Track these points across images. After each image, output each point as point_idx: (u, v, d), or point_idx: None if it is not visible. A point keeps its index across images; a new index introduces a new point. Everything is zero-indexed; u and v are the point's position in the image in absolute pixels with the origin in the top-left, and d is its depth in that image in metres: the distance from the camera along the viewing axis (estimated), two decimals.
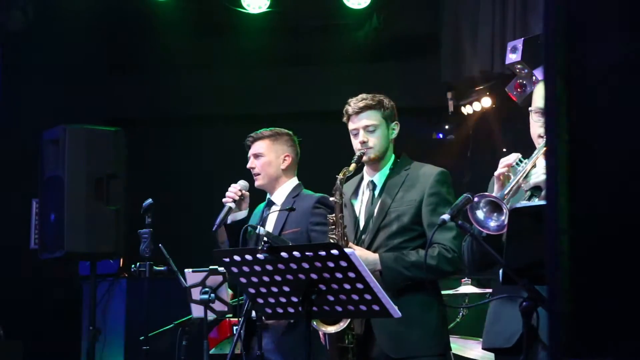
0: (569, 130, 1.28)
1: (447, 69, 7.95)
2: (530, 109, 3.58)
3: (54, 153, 5.68)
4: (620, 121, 1.26)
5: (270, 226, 4.66)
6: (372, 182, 4.22)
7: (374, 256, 4.01)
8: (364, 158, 4.16)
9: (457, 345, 5.23)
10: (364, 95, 4.26)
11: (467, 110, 8.11)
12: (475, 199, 3.15)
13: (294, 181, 4.83)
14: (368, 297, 3.38)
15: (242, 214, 4.75)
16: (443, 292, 5.34)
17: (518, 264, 2.94)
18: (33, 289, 7.86)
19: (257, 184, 4.80)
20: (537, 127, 3.50)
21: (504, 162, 3.37)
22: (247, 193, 4.75)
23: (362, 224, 4.17)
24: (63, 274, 7.60)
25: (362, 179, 4.30)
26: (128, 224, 5.67)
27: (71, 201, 5.53)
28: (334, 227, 4.09)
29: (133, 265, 5.22)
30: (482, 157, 7.91)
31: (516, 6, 7.03)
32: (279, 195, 4.76)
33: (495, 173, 3.38)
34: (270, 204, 4.77)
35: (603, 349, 1.28)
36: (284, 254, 3.37)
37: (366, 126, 4.18)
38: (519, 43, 6.64)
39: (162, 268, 5.28)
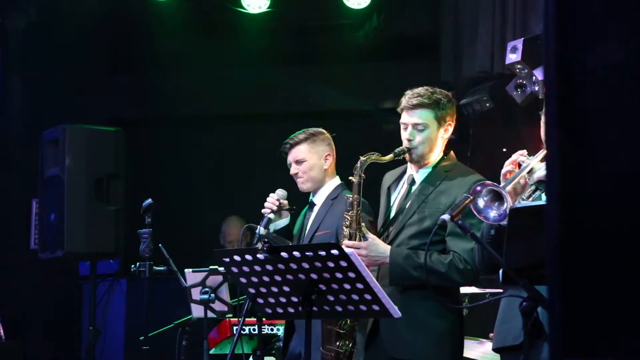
0: (569, 130, 1.28)
1: (447, 69, 7.95)
2: (540, 112, 3.58)
3: (54, 153, 5.68)
4: (619, 121, 1.26)
5: (308, 227, 4.67)
6: (412, 177, 4.16)
7: (384, 247, 3.98)
8: (407, 157, 4.09)
9: None
10: (421, 91, 4.11)
11: (467, 110, 8.11)
12: (477, 188, 3.16)
13: (336, 181, 4.76)
14: (368, 297, 3.38)
15: (283, 222, 4.71)
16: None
17: (518, 264, 2.94)
18: (33, 289, 7.86)
19: (302, 188, 4.75)
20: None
21: (510, 160, 3.38)
22: (286, 202, 4.70)
23: (392, 216, 4.14)
24: (63, 274, 7.61)
25: (405, 171, 4.23)
26: (128, 224, 5.67)
27: (71, 201, 5.53)
28: (350, 208, 4.07)
29: (133, 265, 5.22)
30: (482, 157, 7.90)
31: (516, 6, 7.02)
32: (320, 197, 4.72)
33: (502, 171, 3.38)
34: (312, 205, 4.75)
35: (603, 349, 1.28)
36: (284, 254, 3.37)
37: (415, 124, 4.07)
38: (519, 43, 6.63)
39: (162, 268, 5.28)
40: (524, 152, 3.39)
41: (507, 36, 7.01)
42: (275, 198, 4.65)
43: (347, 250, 3.32)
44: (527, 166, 3.30)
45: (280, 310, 3.58)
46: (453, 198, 3.96)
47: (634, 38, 1.25)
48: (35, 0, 8.01)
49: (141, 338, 5.20)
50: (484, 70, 7.42)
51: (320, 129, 4.83)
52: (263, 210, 4.63)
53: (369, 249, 3.93)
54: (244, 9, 8.21)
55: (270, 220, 4.60)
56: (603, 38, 1.27)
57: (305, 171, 4.71)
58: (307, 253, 3.33)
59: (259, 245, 3.45)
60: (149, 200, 5.11)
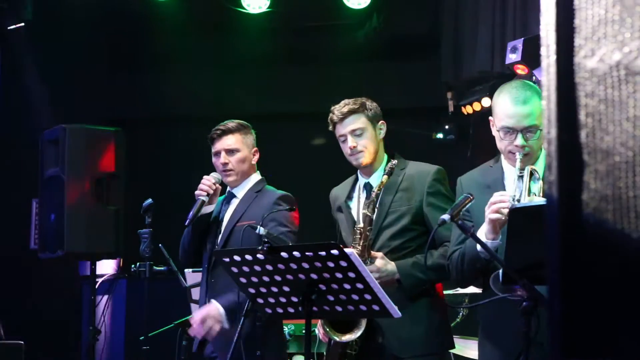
0: (569, 130, 1.28)
1: (447, 69, 7.95)
2: (493, 126, 3.52)
3: (54, 153, 5.68)
4: (619, 121, 1.26)
5: (227, 218, 4.54)
6: (368, 184, 4.21)
7: (392, 265, 4.01)
8: (355, 163, 4.17)
9: (457, 345, 5.22)
10: (346, 101, 4.25)
11: (467, 110, 8.11)
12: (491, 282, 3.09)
13: (257, 176, 4.68)
14: (368, 297, 3.38)
15: (210, 207, 4.58)
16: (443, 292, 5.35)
17: (518, 264, 2.94)
18: (33, 289, 7.86)
19: (229, 179, 4.60)
20: (505, 144, 3.46)
21: (496, 207, 3.22)
22: (220, 187, 4.58)
23: (362, 225, 4.15)
24: (63, 274, 7.61)
25: (356, 180, 4.29)
26: (128, 224, 5.67)
27: (71, 201, 5.53)
28: (359, 236, 4.05)
29: (133, 265, 5.22)
30: (482, 157, 7.90)
31: (516, 6, 7.03)
32: (241, 189, 4.62)
33: (491, 217, 3.23)
34: (231, 196, 4.63)
35: (603, 349, 1.28)
36: (284, 254, 3.37)
37: (353, 130, 4.16)
38: (519, 43, 6.64)
39: (162, 268, 5.28)
40: (507, 197, 3.25)
41: (507, 36, 7.02)
42: (213, 181, 4.51)
43: (347, 250, 3.32)
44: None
45: (280, 310, 3.58)
46: (420, 191, 4.08)
47: (634, 38, 1.25)
48: (35, 0, 8.00)
49: (141, 338, 5.20)
50: (484, 70, 7.43)
51: (247, 123, 4.72)
52: (197, 192, 4.49)
53: (380, 270, 3.96)
54: (244, 9, 8.21)
55: (203, 203, 4.46)
56: (603, 37, 1.27)
57: (238, 163, 4.59)
58: (307, 253, 3.33)
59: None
60: (149, 200, 5.10)
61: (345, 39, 8.71)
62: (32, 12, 7.91)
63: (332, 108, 4.26)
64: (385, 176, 4.04)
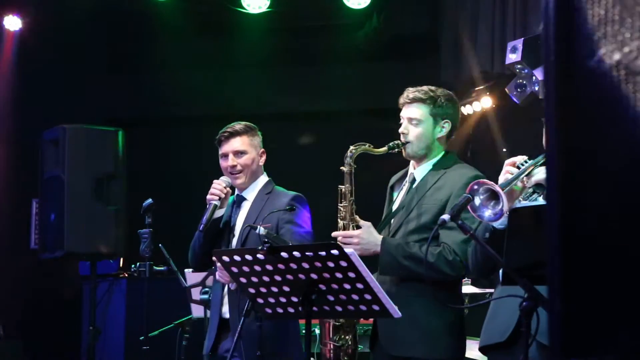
0: (569, 130, 1.28)
1: (447, 69, 7.95)
2: (542, 118, 3.54)
3: (54, 153, 5.69)
4: (619, 120, 1.26)
5: (240, 222, 4.51)
6: (413, 175, 4.18)
7: (377, 236, 3.98)
8: (403, 152, 4.12)
9: None
10: (420, 88, 4.16)
11: (467, 110, 8.12)
12: (475, 186, 3.14)
13: (265, 177, 4.64)
14: (368, 297, 3.38)
15: (220, 211, 4.52)
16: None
17: (518, 264, 2.94)
18: (33, 289, 7.86)
19: (238, 182, 4.54)
20: None
21: (509, 161, 3.34)
22: (230, 190, 4.54)
23: (393, 213, 4.14)
24: (63, 274, 7.61)
25: (407, 170, 4.26)
26: (128, 224, 5.68)
27: (71, 201, 5.54)
28: (343, 199, 4.08)
29: (133, 265, 5.23)
30: (482, 157, 7.91)
31: (516, 6, 7.03)
32: (251, 192, 4.57)
33: (502, 172, 3.33)
34: (241, 199, 4.59)
35: (603, 348, 1.28)
36: (284, 254, 3.37)
37: (410, 118, 4.11)
38: (519, 43, 6.64)
39: (162, 268, 5.29)
40: (525, 157, 3.36)
41: (507, 36, 7.02)
42: (223, 185, 4.48)
43: (347, 250, 3.32)
44: (526, 169, 3.28)
45: (280, 310, 3.58)
46: (448, 193, 4.00)
47: (634, 38, 1.25)
48: (35, 0, 8.01)
49: (141, 338, 5.20)
50: (484, 70, 7.43)
51: (254, 124, 4.68)
52: (209, 197, 4.46)
53: (360, 237, 3.94)
54: (244, 9, 8.21)
55: (216, 208, 4.43)
56: (603, 37, 1.27)
57: (246, 164, 4.53)
58: (307, 253, 3.33)
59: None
60: (149, 200, 5.11)
61: (345, 39, 8.71)
62: (32, 13, 7.92)
63: (408, 88, 4.19)
64: (376, 148, 4.07)
